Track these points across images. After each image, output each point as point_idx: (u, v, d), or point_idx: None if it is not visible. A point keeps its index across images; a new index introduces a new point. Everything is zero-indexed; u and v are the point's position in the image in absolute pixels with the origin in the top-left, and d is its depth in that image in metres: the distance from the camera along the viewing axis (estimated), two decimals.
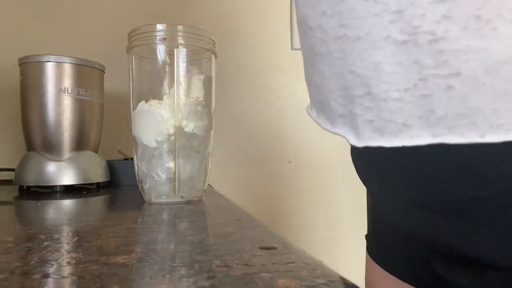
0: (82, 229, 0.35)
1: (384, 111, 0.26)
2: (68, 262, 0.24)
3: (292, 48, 1.08)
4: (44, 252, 0.27)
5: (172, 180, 0.50)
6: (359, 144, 0.29)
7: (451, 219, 0.29)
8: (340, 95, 0.30)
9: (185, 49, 0.51)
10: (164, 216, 0.41)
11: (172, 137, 0.50)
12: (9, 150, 0.82)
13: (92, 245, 0.29)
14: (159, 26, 0.51)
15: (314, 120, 0.36)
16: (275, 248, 0.28)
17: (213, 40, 0.55)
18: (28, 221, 0.42)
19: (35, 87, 0.65)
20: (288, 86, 1.07)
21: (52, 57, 0.65)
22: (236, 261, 0.24)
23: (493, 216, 0.27)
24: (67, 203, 0.51)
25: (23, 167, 0.64)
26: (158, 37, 0.50)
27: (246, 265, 0.23)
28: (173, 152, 0.50)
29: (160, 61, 0.51)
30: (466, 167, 0.25)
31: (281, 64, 1.07)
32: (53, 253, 0.26)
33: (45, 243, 0.29)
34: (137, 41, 0.51)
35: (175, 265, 0.24)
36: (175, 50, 0.50)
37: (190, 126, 0.51)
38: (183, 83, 0.51)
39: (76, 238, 0.31)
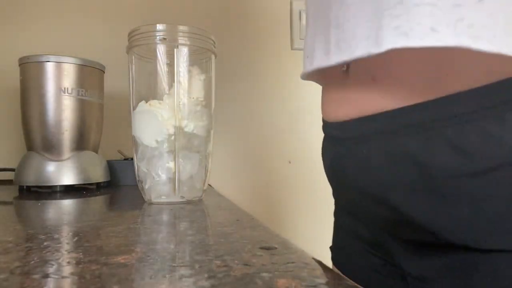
0: (82, 229, 0.35)
1: (413, 15, 0.27)
2: (68, 262, 0.24)
3: (292, 48, 1.08)
4: (44, 252, 0.27)
5: (172, 180, 0.50)
6: (380, 48, 0.28)
7: (432, 199, 0.31)
8: (368, 19, 0.30)
9: (185, 49, 0.51)
10: (164, 216, 0.41)
11: (172, 137, 0.50)
12: (9, 150, 0.82)
13: (92, 245, 0.29)
14: (159, 26, 0.51)
15: (316, 68, 0.36)
16: (275, 248, 0.28)
17: (213, 40, 0.55)
18: (28, 221, 0.42)
19: (35, 87, 0.65)
20: (288, 86, 1.06)
21: (52, 57, 0.65)
22: (236, 261, 0.24)
23: (469, 197, 0.29)
24: (67, 203, 0.51)
25: (23, 167, 0.64)
26: (158, 37, 0.50)
27: (246, 265, 0.23)
28: (173, 152, 0.50)
29: (160, 61, 0.51)
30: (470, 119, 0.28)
31: (281, 65, 1.07)
32: (53, 253, 0.26)
33: (45, 243, 0.29)
34: (137, 41, 0.51)
35: (175, 265, 0.24)
36: (175, 50, 0.50)
37: (190, 126, 0.51)
38: (183, 83, 0.51)
39: (76, 238, 0.31)
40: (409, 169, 0.31)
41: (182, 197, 0.51)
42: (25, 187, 0.64)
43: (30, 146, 0.67)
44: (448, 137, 0.29)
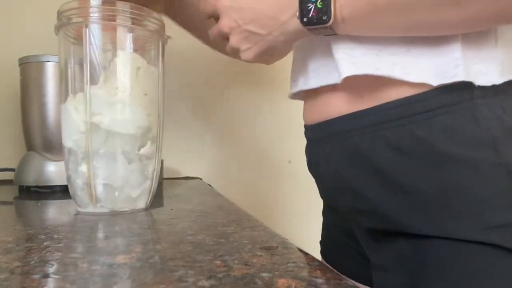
0: (82, 229, 0.35)
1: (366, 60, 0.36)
2: (68, 262, 0.24)
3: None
4: (44, 252, 0.27)
5: (87, 186, 0.42)
6: (340, 77, 0.37)
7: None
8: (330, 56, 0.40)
9: (126, 32, 0.43)
10: (164, 216, 0.41)
11: (86, 135, 0.42)
12: (9, 150, 0.82)
13: (92, 245, 0.29)
14: (93, 2, 0.42)
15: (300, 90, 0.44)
16: (275, 248, 0.28)
17: (161, 22, 0.46)
18: (28, 221, 0.42)
19: (35, 87, 0.65)
20: (288, 85, 1.06)
21: (52, 57, 0.65)
22: (236, 261, 0.24)
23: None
24: (67, 203, 0.51)
25: (23, 167, 0.64)
26: (92, 16, 0.41)
27: (246, 265, 0.23)
28: (87, 153, 0.42)
29: (93, 44, 0.42)
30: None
31: (281, 63, 1.07)
32: (53, 253, 0.26)
33: (45, 243, 0.29)
34: (67, 20, 0.42)
35: (175, 265, 0.24)
36: (85, 29, 0.41)
37: (105, 122, 0.42)
38: (99, 70, 0.42)
39: (76, 238, 0.31)
40: (360, 164, 0.37)
41: (102, 206, 0.42)
42: (25, 187, 0.64)
43: (30, 146, 0.67)
44: (387, 137, 0.35)
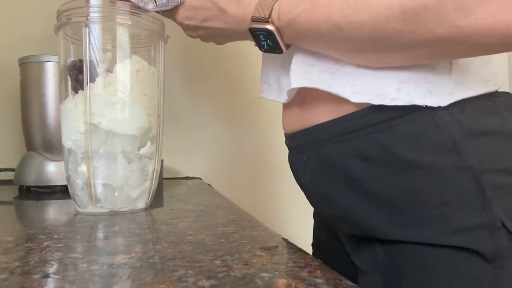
0: (82, 229, 0.35)
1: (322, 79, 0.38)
2: (68, 262, 0.24)
3: None
4: (44, 252, 0.27)
5: (87, 186, 0.42)
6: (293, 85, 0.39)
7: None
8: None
9: (124, 31, 0.43)
10: (164, 216, 0.41)
11: (86, 135, 0.42)
12: (9, 150, 0.82)
13: (92, 245, 0.29)
14: (93, 1, 0.42)
15: (273, 100, 0.44)
16: (275, 248, 0.28)
17: (160, 22, 0.46)
18: (28, 221, 0.42)
19: (35, 87, 0.65)
20: None
21: (52, 57, 0.65)
22: (236, 261, 0.24)
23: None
24: (67, 203, 0.51)
25: (23, 167, 0.64)
26: (91, 15, 0.42)
27: (246, 265, 0.23)
28: (86, 154, 0.42)
29: (93, 43, 0.42)
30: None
31: None
32: (53, 253, 0.26)
33: (45, 243, 0.29)
34: (66, 20, 0.42)
35: (175, 265, 0.24)
36: (85, 29, 0.41)
37: (104, 122, 0.42)
38: (100, 71, 0.42)
39: (76, 238, 0.31)
40: (332, 173, 0.38)
41: (102, 206, 0.42)
42: (25, 187, 0.64)
43: (30, 146, 0.67)
44: (355, 146, 0.35)
